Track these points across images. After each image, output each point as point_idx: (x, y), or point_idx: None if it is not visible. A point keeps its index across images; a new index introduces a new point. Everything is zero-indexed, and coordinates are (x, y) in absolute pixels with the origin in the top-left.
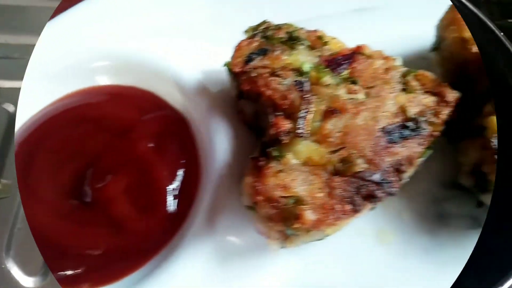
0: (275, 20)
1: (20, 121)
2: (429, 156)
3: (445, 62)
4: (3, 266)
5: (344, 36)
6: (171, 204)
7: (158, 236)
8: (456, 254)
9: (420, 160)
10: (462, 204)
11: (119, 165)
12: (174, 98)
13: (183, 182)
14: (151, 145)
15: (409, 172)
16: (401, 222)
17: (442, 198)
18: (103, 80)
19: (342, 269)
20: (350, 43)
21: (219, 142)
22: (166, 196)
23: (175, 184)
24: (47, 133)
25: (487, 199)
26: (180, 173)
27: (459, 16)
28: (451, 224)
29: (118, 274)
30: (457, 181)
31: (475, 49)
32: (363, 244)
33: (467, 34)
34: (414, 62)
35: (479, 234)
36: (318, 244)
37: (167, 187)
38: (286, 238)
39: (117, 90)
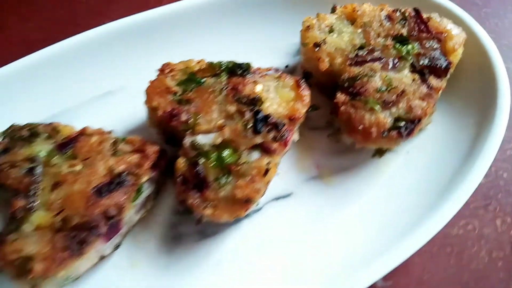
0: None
1: None
2: (157, 192)
3: (153, 125)
4: None
5: (87, 118)
6: None
7: None
8: (189, 265)
9: (135, 202)
10: (189, 223)
11: None
12: None
13: None
14: None
15: (126, 212)
16: (148, 249)
17: (176, 223)
18: None
19: None
20: (96, 124)
21: None
22: None
23: None
24: None
25: (197, 216)
26: None
27: (150, 89)
28: (184, 241)
29: None
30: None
31: (160, 113)
32: (120, 273)
33: (155, 103)
34: (138, 126)
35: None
36: (84, 280)
37: None
38: (34, 287)
39: None
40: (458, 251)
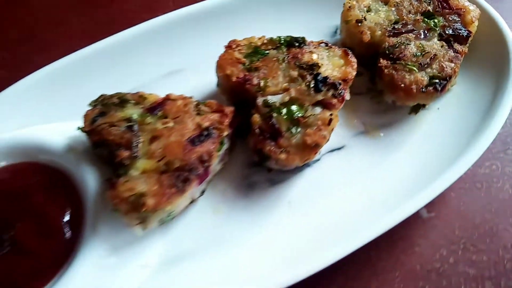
0: (114, 91)
1: None
2: (230, 149)
3: (224, 92)
4: None
5: (163, 90)
6: (66, 232)
7: (61, 253)
8: (263, 207)
9: (219, 152)
10: (260, 173)
11: (23, 213)
12: (52, 160)
13: (72, 215)
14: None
15: (214, 159)
16: (226, 197)
17: (249, 174)
18: None
19: (197, 236)
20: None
21: (89, 181)
22: (62, 226)
23: (67, 217)
24: None
25: (270, 165)
26: (69, 208)
27: (222, 61)
28: (257, 188)
29: None
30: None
31: (234, 79)
32: (205, 218)
33: (228, 71)
34: (208, 95)
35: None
36: (176, 224)
37: (62, 220)
38: (143, 222)
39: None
40: (487, 186)
